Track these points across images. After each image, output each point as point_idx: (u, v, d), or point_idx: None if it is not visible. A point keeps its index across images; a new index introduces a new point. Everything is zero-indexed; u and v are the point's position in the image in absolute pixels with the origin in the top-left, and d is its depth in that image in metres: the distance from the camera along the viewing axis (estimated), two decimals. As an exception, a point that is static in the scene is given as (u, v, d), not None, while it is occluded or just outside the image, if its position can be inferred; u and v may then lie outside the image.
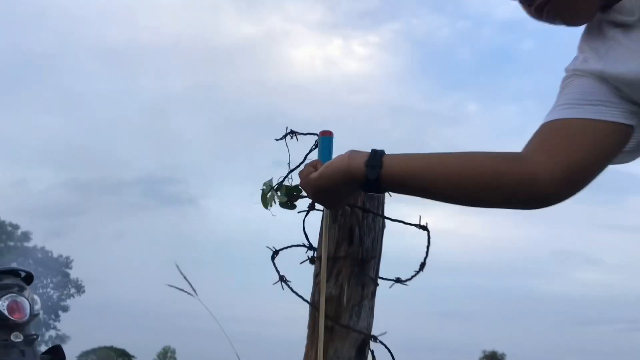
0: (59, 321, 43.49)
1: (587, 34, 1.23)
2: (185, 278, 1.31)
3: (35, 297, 4.08)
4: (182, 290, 1.33)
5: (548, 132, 1.16)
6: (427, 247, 1.32)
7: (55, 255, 43.76)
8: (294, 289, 1.37)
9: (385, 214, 1.42)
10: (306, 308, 1.42)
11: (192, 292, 1.32)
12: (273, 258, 1.43)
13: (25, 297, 3.95)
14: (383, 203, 1.38)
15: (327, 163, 1.26)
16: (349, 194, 1.31)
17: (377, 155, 1.18)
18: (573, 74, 1.19)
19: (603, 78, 1.14)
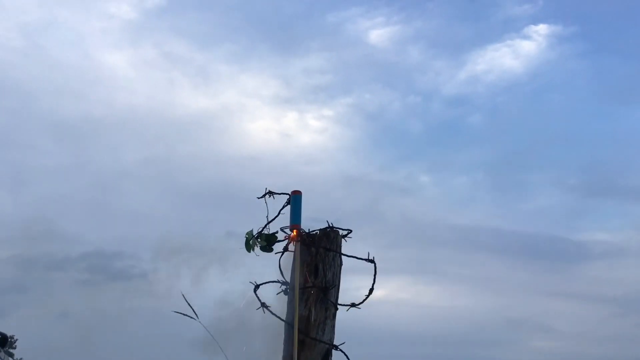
0: (-1, 406, 41.31)
1: None
2: (188, 304, 1.68)
3: (10, 358, 4.28)
4: (185, 315, 1.69)
5: None
6: (374, 276, 1.74)
7: (-3, 334, 42.02)
8: (273, 313, 1.76)
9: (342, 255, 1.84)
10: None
11: (194, 316, 1.69)
12: (255, 290, 1.82)
13: (0, 358, 4.17)
14: (340, 245, 1.80)
15: None
16: None
17: None
18: None
19: None
